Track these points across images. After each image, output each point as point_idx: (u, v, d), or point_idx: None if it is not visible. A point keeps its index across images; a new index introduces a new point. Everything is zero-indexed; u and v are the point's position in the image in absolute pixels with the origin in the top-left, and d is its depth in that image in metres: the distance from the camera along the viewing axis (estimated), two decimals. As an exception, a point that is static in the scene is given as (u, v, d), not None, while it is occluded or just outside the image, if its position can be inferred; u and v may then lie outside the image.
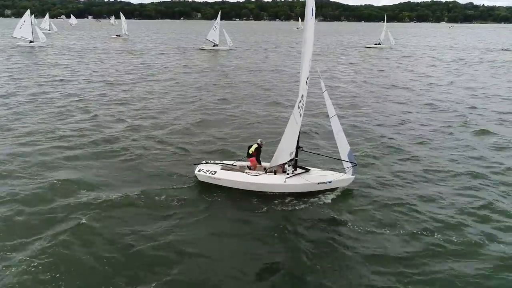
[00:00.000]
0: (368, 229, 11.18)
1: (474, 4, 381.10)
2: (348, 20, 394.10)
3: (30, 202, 12.28)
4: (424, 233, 10.99)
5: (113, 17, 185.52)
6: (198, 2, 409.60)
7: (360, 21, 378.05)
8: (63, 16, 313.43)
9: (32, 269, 9.17)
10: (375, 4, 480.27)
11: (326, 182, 13.31)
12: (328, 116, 13.77)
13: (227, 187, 13.52)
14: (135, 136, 19.40)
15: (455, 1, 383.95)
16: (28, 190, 13.05)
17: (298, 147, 13.54)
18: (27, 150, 16.94)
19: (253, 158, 14.17)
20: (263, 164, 14.32)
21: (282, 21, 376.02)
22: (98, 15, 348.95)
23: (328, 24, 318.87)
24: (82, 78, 36.72)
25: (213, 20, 70.46)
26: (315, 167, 14.32)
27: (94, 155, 16.63)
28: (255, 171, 13.87)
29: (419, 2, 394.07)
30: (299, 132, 13.34)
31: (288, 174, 13.43)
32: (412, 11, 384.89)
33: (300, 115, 12.99)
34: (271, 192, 13.18)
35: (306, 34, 12.08)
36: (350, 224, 11.51)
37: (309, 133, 20.11)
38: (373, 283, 8.98)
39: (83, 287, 8.78)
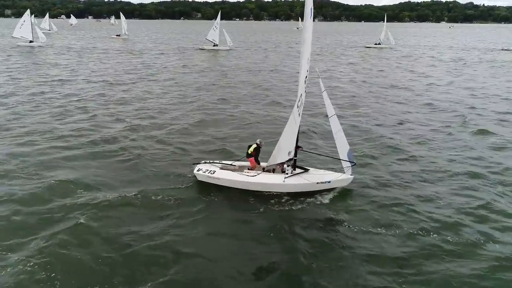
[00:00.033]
0: (366, 229, 11.18)
1: (474, 4, 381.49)
2: (348, 20, 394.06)
3: (28, 202, 12.27)
4: (421, 233, 10.98)
5: (113, 17, 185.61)
6: (198, 2, 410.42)
7: (360, 21, 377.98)
8: (63, 16, 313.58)
9: (29, 269, 9.16)
10: (375, 4, 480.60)
11: (325, 182, 13.31)
12: (327, 115, 13.77)
13: (226, 186, 13.52)
14: (133, 136, 19.40)
15: (455, 1, 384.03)
16: (26, 190, 13.04)
17: (297, 147, 13.54)
18: (25, 150, 16.94)
19: (252, 158, 14.18)
20: (262, 164, 14.32)
21: (282, 21, 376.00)
22: (98, 15, 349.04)
23: (328, 24, 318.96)
24: (81, 78, 36.73)
25: (213, 20, 70.42)
26: (314, 167, 14.32)
27: (92, 155, 16.63)
28: (254, 171, 13.87)
29: (419, 2, 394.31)
30: (298, 131, 13.33)
31: (287, 174, 13.43)
32: (412, 11, 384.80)
33: (299, 114, 12.99)
34: (270, 192, 13.18)
35: (305, 34, 12.19)
36: (347, 224, 11.51)
37: (308, 133, 20.09)
38: (370, 283, 8.97)
39: (80, 287, 8.77)
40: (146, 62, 51.22)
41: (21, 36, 67.44)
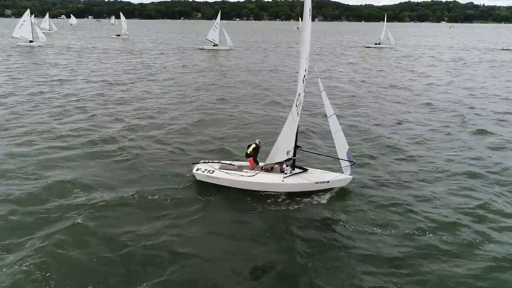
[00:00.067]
0: (363, 229, 11.17)
1: (475, 4, 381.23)
2: (348, 20, 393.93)
3: (25, 202, 12.27)
4: (418, 233, 10.97)
5: (113, 17, 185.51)
6: (198, 2, 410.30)
7: (360, 21, 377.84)
8: (63, 16, 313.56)
9: (26, 268, 9.15)
10: (375, 4, 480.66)
11: (324, 182, 13.29)
12: (326, 115, 13.74)
13: (224, 186, 13.51)
14: (132, 136, 19.39)
15: (456, 0, 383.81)
16: (23, 190, 13.04)
17: (296, 147, 13.53)
18: (24, 149, 16.94)
19: (251, 158, 14.18)
20: (261, 164, 14.32)
21: (282, 21, 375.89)
22: (98, 15, 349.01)
23: (328, 24, 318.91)
24: (81, 78, 36.73)
25: (213, 20, 70.37)
26: (312, 167, 14.30)
27: (91, 155, 16.62)
28: (253, 171, 13.87)
29: (420, 2, 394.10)
30: (297, 131, 13.32)
31: (286, 173, 13.42)
32: (413, 11, 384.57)
33: (298, 114, 12.98)
34: (269, 191, 13.17)
35: (304, 34, 12.25)
36: (345, 224, 11.50)
37: (306, 132, 20.08)
38: (366, 283, 8.96)
39: (77, 287, 8.76)
40: (145, 62, 51.21)
41: (21, 36, 67.43)
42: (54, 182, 13.62)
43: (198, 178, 13.98)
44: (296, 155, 13.79)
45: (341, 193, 13.35)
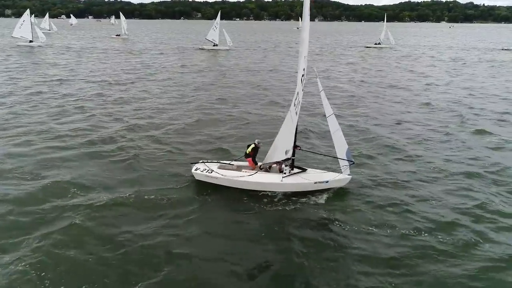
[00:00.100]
0: (361, 229, 11.16)
1: (475, 3, 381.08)
2: (349, 19, 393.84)
3: (23, 202, 12.26)
4: (416, 233, 10.96)
5: (113, 17, 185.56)
6: (198, 2, 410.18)
7: (360, 20, 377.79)
8: (63, 16, 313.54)
9: (22, 268, 9.15)
10: (375, 4, 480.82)
11: (323, 182, 13.28)
12: (325, 115, 13.72)
13: (222, 186, 13.51)
14: (131, 135, 19.38)
15: (456, 0, 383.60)
16: (21, 190, 13.04)
17: (295, 147, 13.52)
18: (22, 149, 16.93)
19: (250, 159, 14.17)
20: (260, 164, 14.31)
21: (283, 20, 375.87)
22: (98, 15, 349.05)
23: (329, 24, 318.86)
24: (80, 78, 36.71)
25: (213, 20, 70.33)
26: (311, 167, 14.29)
27: (89, 155, 16.61)
28: (252, 171, 13.86)
29: (420, 1, 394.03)
30: (296, 131, 13.30)
31: (285, 173, 13.41)
32: (413, 11, 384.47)
33: (296, 113, 12.96)
34: (268, 191, 13.16)
35: (303, 34, 12.30)
36: (342, 224, 11.48)
37: (305, 132, 20.07)
38: (361, 283, 8.95)
39: (73, 287, 8.76)
40: (145, 62, 51.20)
41: (21, 36, 67.44)
42: (52, 182, 13.61)
43: (197, 177, 13.98)
44: (295, 155, 13.77)
45: (339, 193, 13.34)
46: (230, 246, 10.44)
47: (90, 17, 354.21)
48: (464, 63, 53.89)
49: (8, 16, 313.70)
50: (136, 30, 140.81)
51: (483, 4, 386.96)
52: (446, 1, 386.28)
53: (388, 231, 11.05)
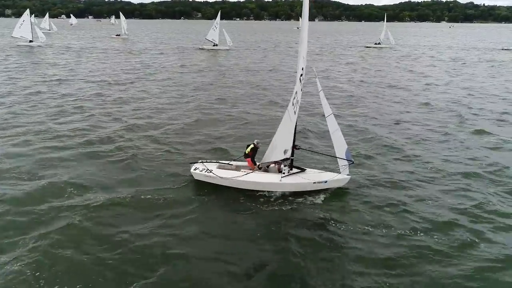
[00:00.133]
0: (358, 230, 11.15)
1: (475, 3, 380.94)
2: (349, 19, 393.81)
3: (20, 202, 12.26)
4: (413, 233, 10.95)
5: (113, 16, 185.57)
6: (198, 1, 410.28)
7: (360, 20, 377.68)
8: (63, 16, 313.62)
9: (18, 268, 9.15)
10: (375, 4, 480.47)
11: (322, 182, 13.28)
12: (324, 115, 13.70)
13: (221, 186, 13.51)
14: (130, 135, 19.38)
15: (456, 0, 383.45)
16: (19, 190, 13.04)
17: (294, 146, 13.51)
18: (20, 149, 16.93)
19: (250, 159, 14.17)
20: (259, 164, 14.31)
21: (283, 20, 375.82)
22: (98, 15, 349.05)
23: (329, 23, 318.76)
24: (79, 78, 36.71)
25: (213, 20, 70.30)
26: (310, 167, 14.28)
27: (88, 155, 16.60)
28: (251, 171, 13.85)
29: (420, 1, 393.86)
30: (295, 130, 13.29)
31: (283, 173, 13.41)
32: (413, 11, 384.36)
33: (295, 113, 12.95)
34: (267, 191, 13.16)
35: (303, 34, 12.34)
36: (340, 224, 11.47)
37: (304, 132, 20.07)
38: (357, 284, 8.95)
39: (70, 287, 8.75)
40: (145, 62, 51.19)
41: (20, 36, 67.46)
42: (49, 182, 13.62)
43: (196, 177, 13.98)
44: (294, 155, 13.77)
45: (337, 193, 13.34)
46: (227, 246, 10.44)
47: (90, 17, 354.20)
48: (464, 63, 53.87)
49: (8, 16, 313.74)
50: (136, 30, 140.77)
51: (483, 4, 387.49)
52: (446, 1, 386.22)
53: (385, 231, 11.05)
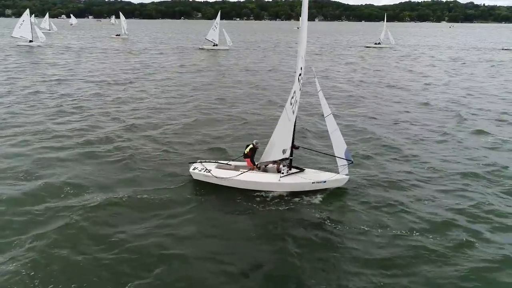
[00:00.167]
0: (355, 230, 11.13)
1: (475, 3, 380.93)
2: (349, 19, 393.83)
3: (18, 201, 12.24)
4: (411, 234, 10.93)
5: (113, 16, 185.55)
6: (198, 1, 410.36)
7: (360, 20, 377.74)
8: (63, 16, 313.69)
9: (14, 268, 9.13)
10: (375, 4, 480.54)
11: (321, 182, 13.26)
12: (323, 115, 13.68)
13: (220, 186, 13.50)
14: (128, 135, 19.36)
15: (456, 0, 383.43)
16: (16, 189, 13.03)
17: (293, 146, 13.48)
18: (19, 149, 16.92)
19: (249, 159, 14.16)
20: (257, 163, 14.30)
21: (283, 20, 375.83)
22: (98, 15, 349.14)
23: (329, 23, 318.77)
24: (79, 78, 36.71)
25: (213, 20, 70.29)
26: (309, 167, 14.26)
27: (86, 155, 16.58)
28: (250, 171, 13.85)
29: (420, 1, 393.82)
30: (294, 130, 13.27)
31: (282, 173, 13.39)
32: (413, 11, 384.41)
33: (293, 112, 12.94)
34: (266, 191, 13.14)
35: (302, 34, 12.36)
36: (337, 224, 11.46)
37: (303, 132, 20.05)
38: (353, 284, 8.93)
39: (67, 287, 8.74)
40: (144, 61, 51.18)
41: (20, 36, 67.47)
42: (47, 181, 13.60)
43: (195, 177, 13.98)
44: (293, 155, 13.75)
45: (334, 193, 13.31)
46: (224, 246, 10.42)
47: (90, 17, 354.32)
48: (464, 63, 53.86)
49: (8, 16, 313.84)
50: (136, 30, 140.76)
51: (484, 4, 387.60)
52: (446, 1, 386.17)
53: (382, 231, 11.02)
